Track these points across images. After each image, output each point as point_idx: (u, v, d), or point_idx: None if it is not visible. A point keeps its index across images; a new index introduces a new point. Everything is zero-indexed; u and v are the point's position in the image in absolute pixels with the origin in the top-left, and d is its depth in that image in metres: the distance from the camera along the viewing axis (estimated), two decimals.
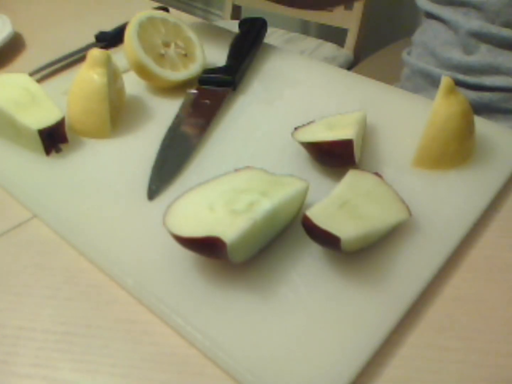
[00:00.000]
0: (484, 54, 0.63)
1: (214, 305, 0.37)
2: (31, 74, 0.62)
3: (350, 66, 1.35)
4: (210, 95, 0.56)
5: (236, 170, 0.43)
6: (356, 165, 0.45)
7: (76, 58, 0.68)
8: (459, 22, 0.64)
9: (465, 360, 0.35)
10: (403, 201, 0.42)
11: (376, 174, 0.44)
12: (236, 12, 1.60)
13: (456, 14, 0.64)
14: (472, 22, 0.62)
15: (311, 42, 1.43)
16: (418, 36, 0.74)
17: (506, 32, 0.60)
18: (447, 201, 0.44)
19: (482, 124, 0.50)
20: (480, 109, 0.65)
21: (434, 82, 0.69)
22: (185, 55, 0.59)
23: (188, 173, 0.48)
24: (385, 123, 0.53)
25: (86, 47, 0.69)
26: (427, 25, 0.71)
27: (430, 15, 0.70)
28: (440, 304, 0.38)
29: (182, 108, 0.56)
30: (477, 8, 0.62)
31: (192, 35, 0.60)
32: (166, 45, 0.58)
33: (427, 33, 0.71)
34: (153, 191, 0.46)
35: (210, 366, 0.35)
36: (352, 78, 0.61)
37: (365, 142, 0.51)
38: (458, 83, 0.65)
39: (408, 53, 0.77)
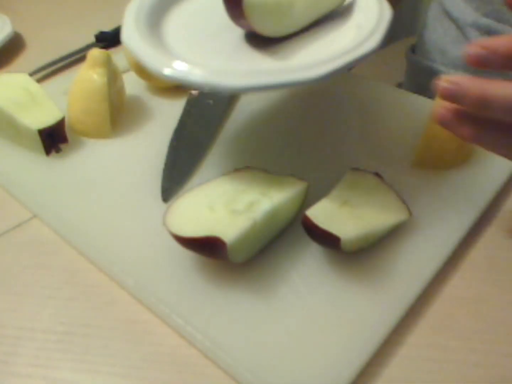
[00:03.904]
0: None
1: (214, 305, 0.37)
2: (31, 74, 0.62)
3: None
4: (213, 95, 0.56)
5: (236, 170, 0.43)
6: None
7: (76, 58, 0.68)
8: (467, 21, 0.64)
9: (465, 360, 0.35)
10: (403, 201, 0.42)
11: (376, 174, 0.44)
12: None
13: (466, 9, 0.64)
14: (481, 20, 0.62)
15: None
16: (426, 33, 0.73)
17: None
18: (447, 201, 0.44)
19: None
20: None
21: None
22: None
23: (200, 174, 0.48)
24: (385, 123, 0.53)
25: (86, 47, 0.69)
26: (437, 22, 0.71)
27: (442, 12, 0.69)
28: (440, 304, 0.38)
29: (186, 108, 0.56)
30: (486, 2, 0.61)
31: None
32: None
33: (437, 31, 0.70)
34: (167, 192, 0.46)
35: (210, 366, 0.35)
36: (352, 78, 0.61)
37: (366, 142, 0.51)
38: None
39: (412, 51, 0.77)
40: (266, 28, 0.42)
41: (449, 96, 0.34)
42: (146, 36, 0.40)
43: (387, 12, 0.42)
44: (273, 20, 0.41)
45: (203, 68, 0.37)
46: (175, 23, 0.45)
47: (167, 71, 0.37)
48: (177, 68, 0.37)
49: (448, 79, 0.34)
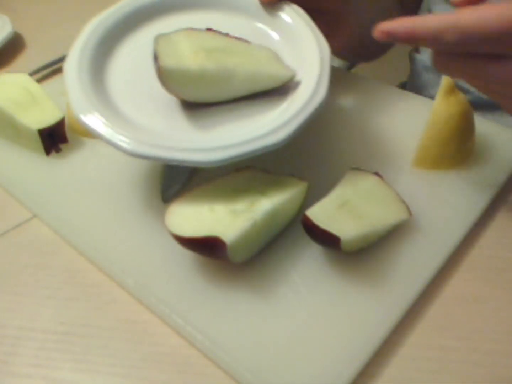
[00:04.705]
0: None
1: (214, 305, 0.37)
2: (31, 74, 0.62)
3: (350, 66, 1.34)
4: None
5: (236, 170, 0.43)
6: None
7: None
8: None
9: (465, 360, 0.35)
10: (403, 201, 0.42)
11: (376, 174, 0.44)
12: None
13: None
14: None
15: None
16: None
17: None
18: (447, 201, 0.44)
19: (482, 124, 0.50)
20: (494, 107, 0.64)
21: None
22: None
23: (200, 174, 0.48)
24: (385, 123, 0.53)
25: None
26: None
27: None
28: (440, 304, 0.38)
29: None
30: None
31: None
32: None
33: None
34: (167, 192, 0.46)
35: (210, 366, 0.35)
36: (352, 78, 0.61)
37: (366, 142, 0.51)
38: None
39: (416, 51, 0.76)
40: (186, 96, 0.41)
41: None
42: (85, 78, 0.41)
43: (322, 93, 0.40)
44: (194, 89, 0.41)
45: (107, 126, 0.39)
46: (118, 65, 0.45)
47: (84, 119, 0.39)
48: (92, 120, 0.39)
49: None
